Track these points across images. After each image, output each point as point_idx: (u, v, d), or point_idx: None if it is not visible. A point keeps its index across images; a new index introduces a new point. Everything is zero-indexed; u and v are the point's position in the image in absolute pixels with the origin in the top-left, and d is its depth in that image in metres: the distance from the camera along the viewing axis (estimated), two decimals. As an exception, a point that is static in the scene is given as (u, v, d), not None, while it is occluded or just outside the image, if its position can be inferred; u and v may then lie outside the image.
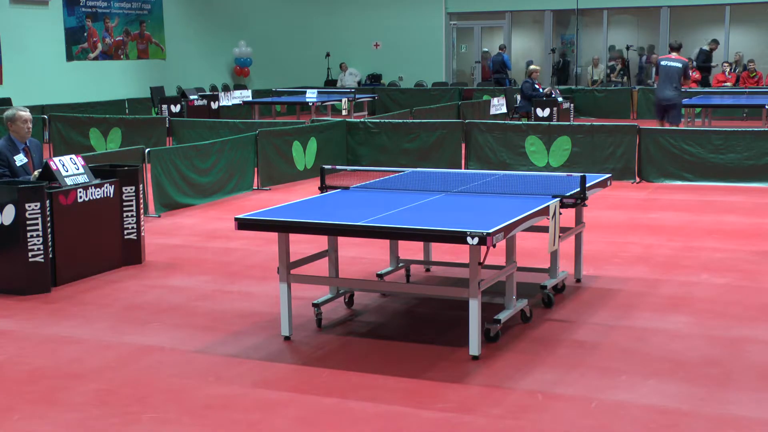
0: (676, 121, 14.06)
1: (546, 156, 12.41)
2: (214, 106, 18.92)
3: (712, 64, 22.38)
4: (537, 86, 16.95)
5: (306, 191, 10.38)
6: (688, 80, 14.39)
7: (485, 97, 20.20)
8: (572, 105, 17.80)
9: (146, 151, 10.11)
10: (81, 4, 21.31)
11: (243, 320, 6.09)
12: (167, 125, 14.50)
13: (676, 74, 13.89)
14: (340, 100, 18.43)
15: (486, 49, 26.48)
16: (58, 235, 6.97)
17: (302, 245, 6.73)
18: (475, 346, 5.21)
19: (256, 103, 19.15)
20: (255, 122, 14.28)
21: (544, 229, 6.06)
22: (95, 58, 21.86)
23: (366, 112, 20.07)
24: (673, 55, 14.15)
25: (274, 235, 5.86)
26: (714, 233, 8.47)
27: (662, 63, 14.18)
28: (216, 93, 20.05)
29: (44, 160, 7.45)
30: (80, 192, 7.20)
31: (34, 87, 19.60)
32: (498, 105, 17.21)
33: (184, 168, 10.48)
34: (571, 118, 17.01)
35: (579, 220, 6.86)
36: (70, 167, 7.30)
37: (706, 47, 22.60)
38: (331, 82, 25.60)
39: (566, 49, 26.07)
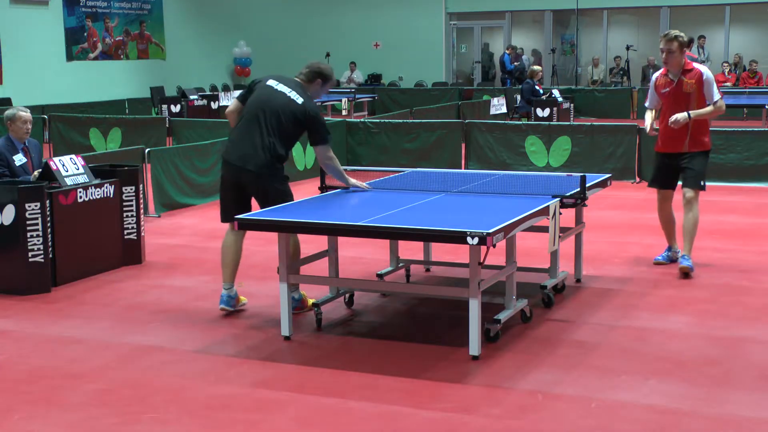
0: None
1: (546, 156, 12.40)
2: (214, 106, 18.92)
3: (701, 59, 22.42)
4: (537, 87, 16.95)
5: (306, 191, 10.36)
6: None
7: (485, 97, 20.21)
8: (572, 105, 17.81)
9: (146, 151, 10.11)
10: (81, 4, 21.32)
11: (243, 320, 6.09)
12: (167, 125, 14.50)
13: None
14: (340, 100, 18.43)
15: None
16: (58, 235, 6.97)
17: (302, 245, 6.73)
18: (475, 346, 5.21)
19: (256, 103, 19.11)
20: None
21: (544, 229, 6.06)
22: (95, 58, 21.87)
23: (366, 112, 20.07)
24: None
25: (274, 235, 5.86)
26: (714, 233, 8.47)
27: None
28: (216, 93, 20.07)
29: (44, 160, 7.46)
30: (80, 192, 7.20)
31: (34, 87, 19.61)
32: (498, 105, 17.22)
33: (184, 168, 10.48)
34: (571, 118, 17.02)
35: (579, 220, 6.86)
36: (70, 167, 7.30)
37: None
38: (330, 82, 25.59)
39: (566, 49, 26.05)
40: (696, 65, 7.27)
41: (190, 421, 4.46)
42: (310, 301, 6.19)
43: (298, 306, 6.17)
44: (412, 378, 4.96)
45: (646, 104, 7.57)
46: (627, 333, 5.72)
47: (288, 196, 6.10)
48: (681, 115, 7.05)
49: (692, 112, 7.06)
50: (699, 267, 7.27)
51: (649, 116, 7.48)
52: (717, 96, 7.17)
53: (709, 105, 7.14)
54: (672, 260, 7.42)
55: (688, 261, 7.07)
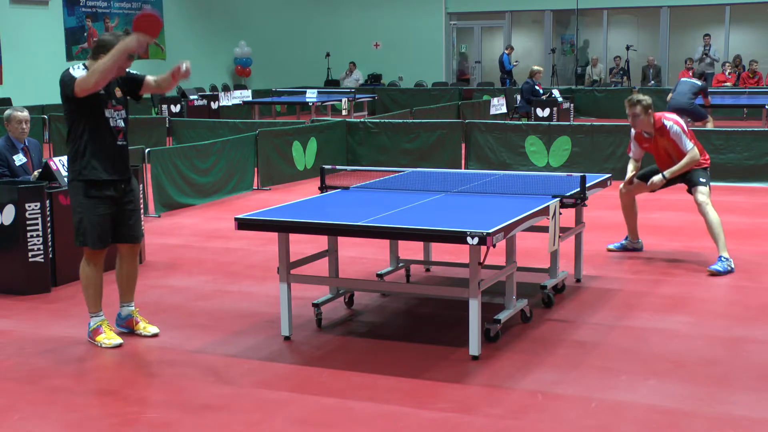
0: (701, 118, 14.96)
1: (546, 156, 12.40)
2: (214, 106, 18.92)
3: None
4: (537, 87, 16.94)
5: (306, 191, 10.37)
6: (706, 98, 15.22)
7: (485, 97, 20.21)
8: (572, 105, 17.80)
9: (146, 151, 10.11)
10: (81, 4, 21.32)
11: (243, 320, 6.09)
12: (167, 125, 14.50)
13: (690, 91, 14.81)
14: (340, 100, 18.43)
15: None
16: (58, 235, 6.96)
17: (302, 245, 6.73)
18: (475, 346, 5.21)
19: (256, 103, 19.15)
20: (255, 122, 14.28)
21: (544, 229, 6.06)
22: (95, 58, 21.83)
23: (366, 112, 20.07)
24: (694, 78, 15.45)
25: (274, 235, 5.85)
26: (714, 233, 8.46)
27: (682, 79, 15.43)
28: (216, 93, 20.05)
29: (44, 160, 7.46)
30: (80, 192, 7.18)
31: (34, 87, 19.59)
32: (498, 105, 17.22)
33: (184, 168, 10.48)
34: (571, 118, 17.02)
35: (579, 220, 6.86)
36: (70, 167, 7.28)
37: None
38: (331, 82, 25.60)
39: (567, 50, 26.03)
40: (664, 121, 7.33)
41: (190, 421, 4.46)
42: (142, 326, 5.77)
43: (124, 323, 5.80)
44: (412, 378, 4.96)
45: (630, 154, 7.74)
46: (627, 333, 5.72)
47: (74, 212, 5.48)
48: (656, 178, 7.37)
49: (667, 172, 7.34)
50: (699, 267, 7.27)
51: (631, 166, 7.68)
52: (689, 146, 7.33)
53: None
54: (626, 249, 7.79)
55: (717, 264, 7.11)
